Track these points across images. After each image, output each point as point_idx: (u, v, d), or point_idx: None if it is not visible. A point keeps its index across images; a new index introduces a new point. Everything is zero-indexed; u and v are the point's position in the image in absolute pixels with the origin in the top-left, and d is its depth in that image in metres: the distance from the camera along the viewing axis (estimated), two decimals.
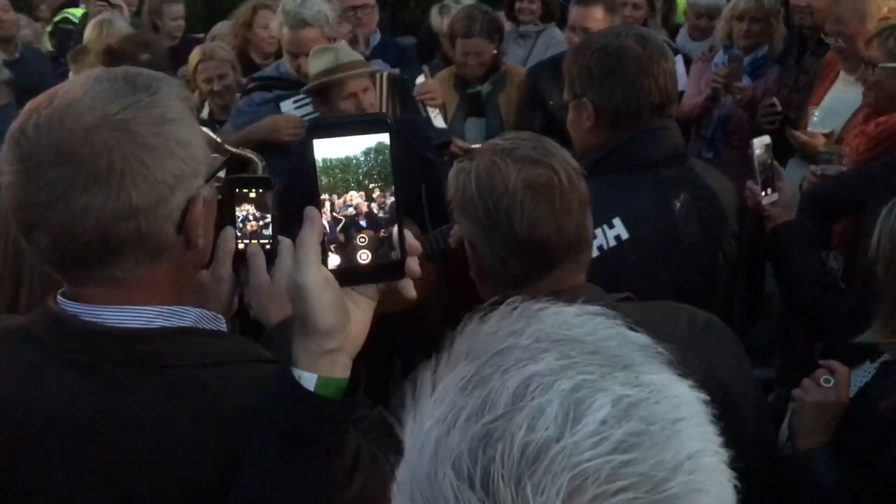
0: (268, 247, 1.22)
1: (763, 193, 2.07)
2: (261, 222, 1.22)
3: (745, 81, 3.36)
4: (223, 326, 1.06)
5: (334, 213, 0.86)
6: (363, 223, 0.87)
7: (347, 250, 0.87)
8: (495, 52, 3.51)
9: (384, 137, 0.86)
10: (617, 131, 1.76)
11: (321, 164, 0.85)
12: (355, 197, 0.86)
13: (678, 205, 1.77)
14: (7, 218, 1.36)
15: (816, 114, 3.04)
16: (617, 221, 1.70)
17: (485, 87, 3.56)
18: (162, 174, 0.92)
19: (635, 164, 1.75)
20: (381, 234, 0.87)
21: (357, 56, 2.83)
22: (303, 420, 0.88)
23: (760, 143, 2.08)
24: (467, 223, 1.34)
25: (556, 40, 4.21)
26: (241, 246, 1.20)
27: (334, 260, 0.87)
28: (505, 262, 1.30)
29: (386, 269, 0.88)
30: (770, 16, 3.43)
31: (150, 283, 0.97)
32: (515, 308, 0.58)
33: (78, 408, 0.94)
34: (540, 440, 0.48)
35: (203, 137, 1.00)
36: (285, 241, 1.23)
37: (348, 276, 0.87)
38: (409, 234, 0.89)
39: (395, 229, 0.87)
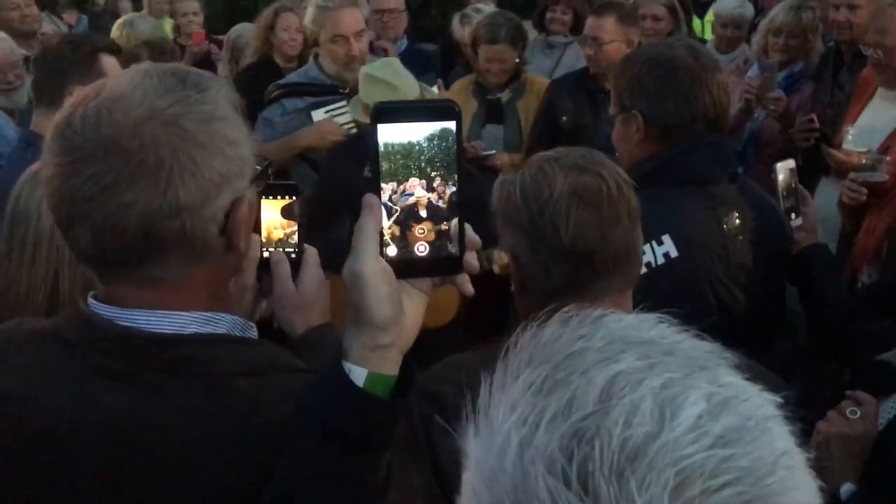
0: (293, 255, 1.18)
1: (788, 218, 2.02)
2: (287, 230, 1.18)
3: (779, 93, 3.30)
4: (254, 334, 1.02)
5: (393, 202, 0.82)
6: (423, 213, 0.83)
7: (405, 241, 0.83)
8: (518, 59, 3.47)
9: (450, 125, 0.82)
10: (668, 144, 1.72)
11: (383, 150, 0.81)
12: (417, 185, 0.82)
13: (729, 223, 1.71)
14: (39, 216, 1.35)
15: (852, 132, 2.97)
16: (666, 238, 1.66)
17: (504, 95, 3.53)
18: (210, 172, 0.88)
19: (686, 179, 1.70)
20: (441, 225, 0.83)
21: (412, 89, 2.75)
22: (351, 417, 0.83)
23: (784, 168, 2.03)
24: (511, 232, 1.29)
25: None
26: (265, 254, 1.17)
27: (391, 250, 0.83)
28: (548, 271, 1.25)
29: (443, 262, 0.84)
30: (807, 31, 3.37)
31: (188, 286, 0.93)
32: (573, 316, 0.58)
33: (107, 414, 0.91)
34: (639, 436, 0.48)
35: (249, 139, 0.96)
36: (311, 250, 1.20)
37: (405, 268, 0.83)
38: (468, 228, 0.85)
39: (455, 222, 0.83)
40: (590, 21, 3.27)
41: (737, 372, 0.55)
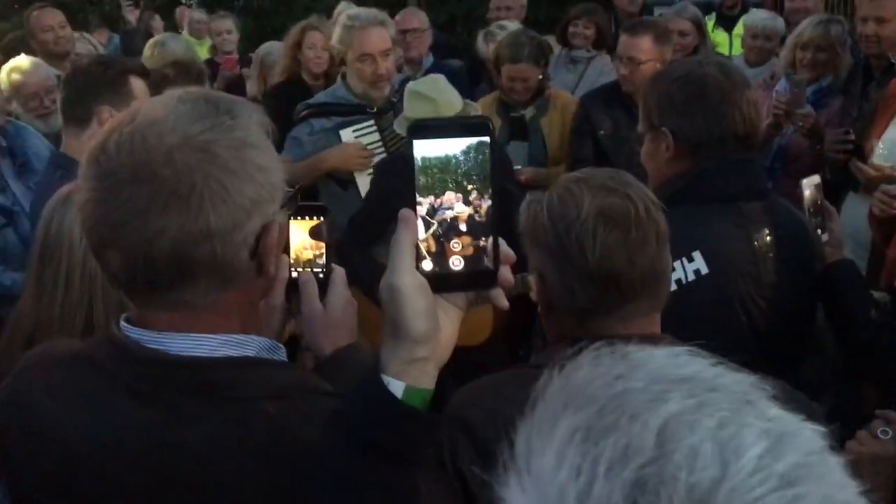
0: (321, 276, 1.19)
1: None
2: (315, 251, 1.19)
3: (808, 108, 3.27)
4: (282, 356, 1.03)
5: (431, 216, 0.83)
6: (461, 227, 0.83)
7: (441, 255, 0.84)
8: (541, 76, 3.48)
9: (485, 140, 0.83)
10: (698, 161, 1.71)
11: (420, 164, 0.83)
12: (453, 199, 0.83)
13: (759, 241, 1.70)
14: (71, 242, 1.36)
15: (881, 146, 2.94)
16: (697, 255, 1.65)
17: (528, 112, 3.54)
18: (241, 198, 0.89)
19: (716, 197, 1.70)
20: (477, 239, 0.83)
21: (457, 105, 2.78)
22: (389, 429, 0.83)
23: (810, 184, 2.02)
24: (538, 252, 1.29)
25: (608, 67, 4.17)
26: (294, 274, 1.18)
27: (427, 264, 0.83)
28: (574, 293, 1.24)
29: (479, 277, 0.84)
30: (836, 45, 3.34)
31: (218, 310, 0.94)
32: (603, 354, 0.57)
33: (136, 437, 0.92)
34: (705, 481, 0.47)
35: (279, 164, 0.97)
36: (338, 271, 1.21)
37: (440, 282, 0.84)
38: (502, 243, 0.85)
39: (491, 236, 0.84)
40: (625, 39, 3.25)
41: (776, 402, 0.54)
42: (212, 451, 0.90)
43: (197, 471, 0.90)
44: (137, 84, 2.29)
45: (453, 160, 0.82)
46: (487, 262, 0.84)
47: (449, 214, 0.83)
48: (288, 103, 3.32)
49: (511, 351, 2.95)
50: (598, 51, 4.31)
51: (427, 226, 0.83)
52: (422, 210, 0.83)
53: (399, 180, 2.98)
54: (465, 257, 0.84)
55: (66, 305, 1.35)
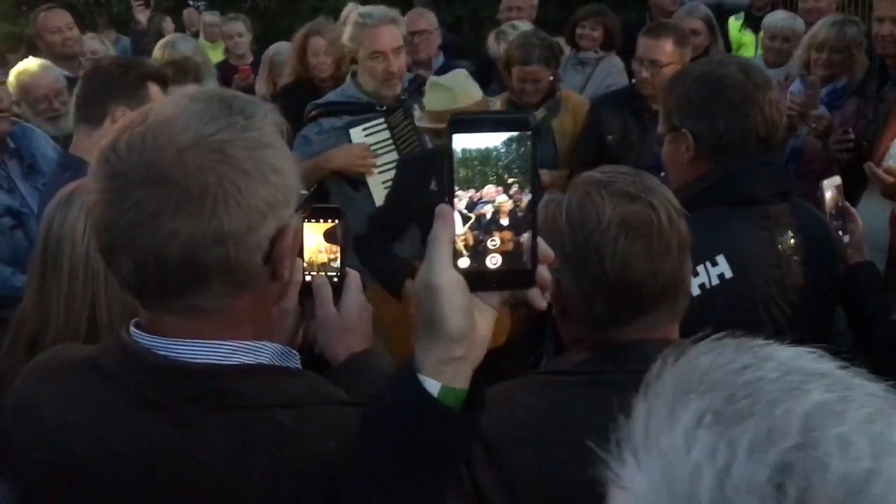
0: (335, 279, 1.17)
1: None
2: (329, 254, 1.17)
3: (822, 110, 3.24)
4: (296, 362, 1.00)
5: (468, 210, 0.80)
6: (501, 221, 0.81)
7: (479, 252, 0.81)
8: (552, 78, 3.46)
9: (527, 133, 0.80)
10: (719, 163, 1.68)
11: (461, 156, 0.80)
12: (493, 193, 0.80)
13: (783, 244, 1.68)
14: (73, 242, 1.34)
15: (894, 149, 2.91)
16: (721, 259, 1.62)
17: (539, 113, 3.51)
18: (255, 200, 0.86)
19: (738, 199, 1.67)
20: (517, 236, 0.81)
21: (474, 94, 2.76)
22: (427, 429, 0.81)
23: (831, 185, 2.00)
24: (554, 255, 1.25)
25: (616, 69, 4.15)
26: (307, 278, 1.15)
27: (463, 262, 0.81)
28: (591, 302, 1.21)
29: (516, 276, 0.82)
30: (851, 46, 3.31)
31: (231, 316, 0.92)
32: (723, 345, 0.58)
33: (146, 446, 0.89)
34: (859, 472, 0.47)
35: (294, 165, 0.94)
36: (353, 275, 1.18)
37: (477, 280, 0.81)
38: (540, 241, 0.83)
39: (530, 232, 0.81)
40: (646, 42, 3.21)
41: None
42: (221, 462, 0.88)
43: (206, 481, 0.88)
44: (155, 89, 2.28)
45: (494, 152, 0.80)
46: (525, 260, 0.81)
47: (489, 209, 0.80)
48: (297, 103, 3.31)
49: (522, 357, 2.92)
50: (607, 52, 4.29)
51: (465, 220, 0.80)
52: (460, 204, 0.80)
53: (419, 176, 3.00)
54: (502, 254, 0.81)
55: (68, 306, 1.33)
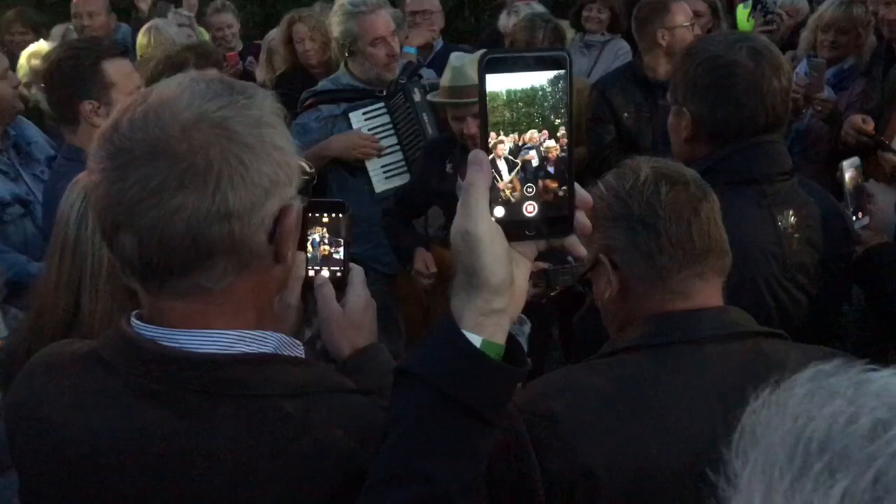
0: (338, 274, 1.16)
1: (854, 217, 1.95)
2: (332, 248, 1.15)
3: (827, 93, 3.20)
4: (300, 352, 0.99)
5: (512, 155, 0.77)
6: (541, 167, 0.77)
7: (513, 200, 0.78)
8: None
9: (562, 73, 0.76)
10: (715, 146, 1.67)
11: (504, 98, 0.76)
12: (536, 137, 0.77)
13: (784, 222, 1.65)
14: (67, 221, 1.33)
15: None
16: None
17: None
18: (259, 177, 0.86)
19: (739, 180, 1.65)
20: (551, 183, 0.77)
21: (474, 76, 2.71)
22: (473, 384, 0.78)
23: (850, 166, 1.97)
24: (601, 231, 1.24)
25: (623, 51, 4.11)
26: (311, 273, 1.14)
27: (499, 211, 0.78)
28: (652, 254, 1.21)
29: (554, 223, 0.79)
30: (859, 26, 3.26)
31: (234, 299, 0.90)
32: (829, 387, 0.51)
33: (150, 438, 0.88)
34: None
35: (294, 148, 0.93)
36: (357, 269, 1.17)
37: (514, 230, 0.78)
38: (578, 186, 0.80)
39: (567, 176, 0.78)
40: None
41: None
42: (227, 453, 0.87)
43: (211, 473, 0.87)
44: (114, 66, 2.22)
45: (540, 92, 0.76)
46: (563, 207, 0.78)
47: (533, 154, 0.77)
48: (295, 91, 3.29)
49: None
50: (613, 35, 4.24)
51: (511, 167, 0.77)
52: (504, 149, 0.76)
53: (435, 159, 3.02)
54: (540, 202, 0.78)
55: (59, 287, 1.33)
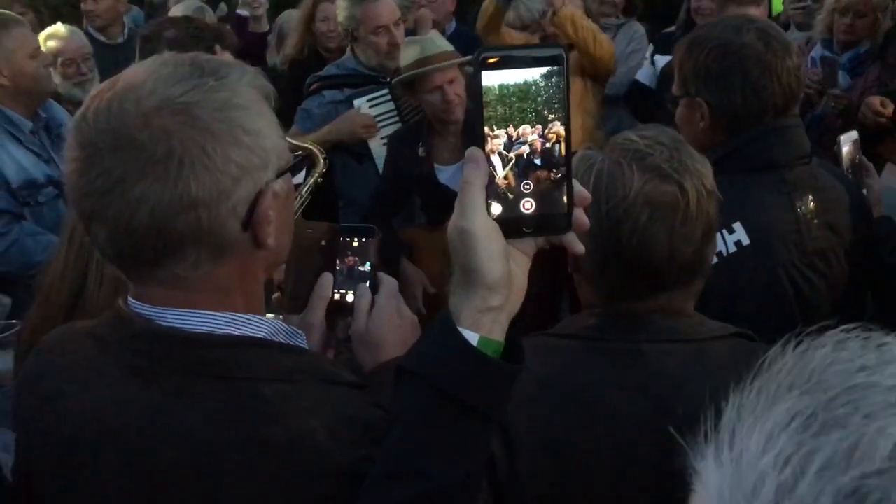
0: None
1: None
2: (359, 268, 1.16)
3: (842, 80, 3.17)
4: (302, 343, 0.97)
5: (506, 150, 0.77)
6: (538, 162, 0.77)
7: (511, 197, 0.78)
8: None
9: (558, 69, 0.77)
10: (734, 133, 1.65)
11: (497, 92, 0.76)
12: (530, 132, 0.77)
13: (803, 207, 1.64)
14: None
15: None
16: (738, 226, 1.59)
17: None
18: (225, 163, 0.84)
19: (758, 166, 1.63)
20: (554, 175, 0.77)
21: (445, 46, 2.73)
22: (470, 382, 0.79)
23: (848, 139, 1.97)
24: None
25: (638, 34, 4.08)
26: (336, 296, 1.14)
27: (496, 208, 0.78)
28: (604, 272, 1.18)
29: (551, 220, 0.79)
30: (877, 10, 3.22)
31: (216, 285, 0.89)
32: (850, 339, 0.50)
33: (132, 415, 0.88)
34: None
35: (277, 128, 0.91)
36: (384, 288, 1.15)
37: (511, 226, 0.79)
38: (576, 183, 0.80)
39: (564, 171, 0.78)
40: None
41: None
42: (201, 435, 0.87)
43: (180, 450, 0.87)
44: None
45: (533, 87, 0.76)
46: (561, 204, 0.78)
47: (525, 149, 0.77)
48: (305, 78, 3.27)
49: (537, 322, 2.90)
50: (628, 18, 4.21)
51: (505, 162, 0.77)
52: (499, 144, 0.76)
53: (407, 146, 3.04)
54: (537, 198, 0.78)
55: (66, 271, 1.33)
